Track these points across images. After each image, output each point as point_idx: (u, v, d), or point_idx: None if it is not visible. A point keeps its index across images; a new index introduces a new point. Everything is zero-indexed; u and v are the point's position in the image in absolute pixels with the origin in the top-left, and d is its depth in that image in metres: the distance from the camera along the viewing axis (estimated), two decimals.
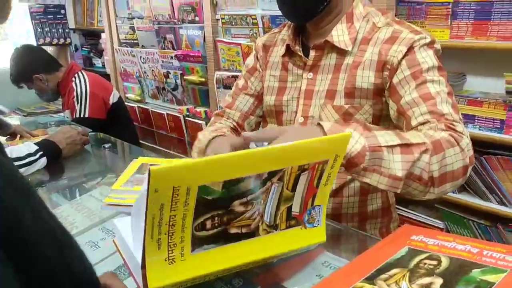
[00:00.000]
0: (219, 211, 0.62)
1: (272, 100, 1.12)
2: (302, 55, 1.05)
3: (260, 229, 0.67)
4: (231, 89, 1.25)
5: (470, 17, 1.46)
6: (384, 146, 0.77)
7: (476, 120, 1.50)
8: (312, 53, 1.03)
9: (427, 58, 0.92)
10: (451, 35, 1.51)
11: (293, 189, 0.67)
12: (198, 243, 0.61)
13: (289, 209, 0.69)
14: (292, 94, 1.08)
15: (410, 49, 0.93)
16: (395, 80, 0.93)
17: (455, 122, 0.86)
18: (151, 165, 0.54)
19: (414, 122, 0.89)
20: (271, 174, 0.63)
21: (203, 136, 1.11)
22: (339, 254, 0.80)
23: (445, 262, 0.56)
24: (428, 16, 1.55)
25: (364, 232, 1.04)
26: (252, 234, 0.66)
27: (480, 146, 1.50)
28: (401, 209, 1.73)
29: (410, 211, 1.73)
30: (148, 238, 0.57)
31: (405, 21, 1.48)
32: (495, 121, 1.47)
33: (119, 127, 2.26)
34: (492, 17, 1.41)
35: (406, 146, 0.78)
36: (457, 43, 1.49)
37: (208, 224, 0.62)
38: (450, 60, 1.62)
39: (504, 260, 0.54)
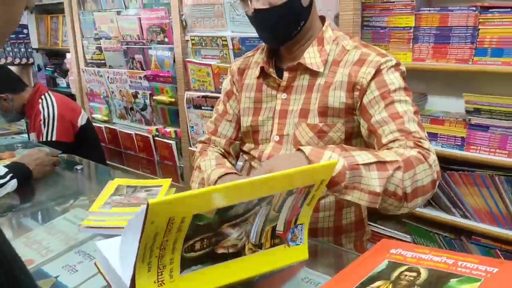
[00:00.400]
0: (209, 234, 0.63)
1: (248, 121, 1.17)
2: (276, 77, 1.11)
3: (246, 248, 0.69)
4: (201, 109, 1.27)
5: (430, 41, 1.54)
6: (362, 164, 0.81)
7: (439, 138, 1.58)
8: (286, 75, 1.09)
9: (394, 79, 0.99)
10: (413, 57, 1.59)
11: (279, 210, 0.70)
12: (187, 264, 0.62)
13: (274, 228, 0.72)
14: (267, 114, 1.13)
15: (378, 71, 0.99)
16: (365, 100, 0.99)
17: (422, 140, 0.91)
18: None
19: (384, 140, 0.94)
20: (262, 199, 0.65)
21: (208, 168, 1.13)
22: (318, 269, 0.82)
23: (424, 274, 0.59)
24: (391, 40, 1.63)
25: (340, 247, 1.08)
26: (239, 253, 0.68)
27: (443, 163, 1.57)
28: (371, 224, 1.78)
29: (379, 226, 1.79)
30: (139, 261, 0.58)
31: (370, 44, 1.57)
32: (456, 138, 1.55)
33: (87, 148, 2.22)
34: (450, 41, 1.50)
35: (381, 164, 0.83)
36: (419, 65, 1.58)
37: (197, 245, 0.63)
38: (412, 81, 1.70)
39: (477, 270, 0.58)
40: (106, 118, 2.84)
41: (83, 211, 1.15)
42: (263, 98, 1.14)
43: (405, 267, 0.62)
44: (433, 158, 0.89)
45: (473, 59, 1.46)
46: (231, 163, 1.22)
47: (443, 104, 1.66)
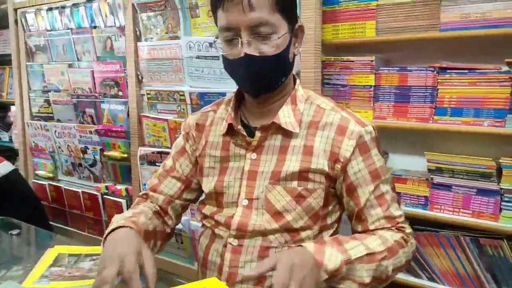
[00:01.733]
0: None
1: (213, 182, 1.07)
2: (246, 135, 1.03)
3: None
4: (155, 165, 1.19)
5: (390, 99, 1.55)
6: (355, 259, 0.91)
7: (402, 197, 1.55)
8: (258, 134, 1.02)
9: (377, 155, 1.02)
10: (374, 115, 1.59)
11: None
12: None
13: None
14: (234, 175, 1.05)
15: (361, 144, 1.00)
16: (352, 176, 1.01)
17: (404, 224, 1.03)
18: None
19: (371, 227, 1.02)
20: None
21: (115, 219, 1.00)
22: None
23: None
24: (352, 98, 1.62)
25: None
26: None
27: None
28: None
29: None
30: None
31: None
32: (419, 198, 1.52)
33: (12, 204, 2.02)
34: (410, 100, 1.51)
35: (371, 255, 0.93)
36: (380, 123, 1.57)
37: None
38: None
39: None
40: (50, 175, 2.65)
41: (15, 284, 0.99)
42: (230, 158, 1.07)
43: None
44: (412, 241, 1.03)
45: (433, 118, 1.47)
46: (166, 223, 1.14)
47: (405, 163, 1.64)
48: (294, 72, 1.62)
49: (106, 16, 2.18)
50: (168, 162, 1.18)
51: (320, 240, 0.98)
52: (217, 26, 1.00)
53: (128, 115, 2.16)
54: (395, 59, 1.63)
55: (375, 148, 1.02)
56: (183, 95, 1.97)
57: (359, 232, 1.04)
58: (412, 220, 1.50)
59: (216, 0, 0.97)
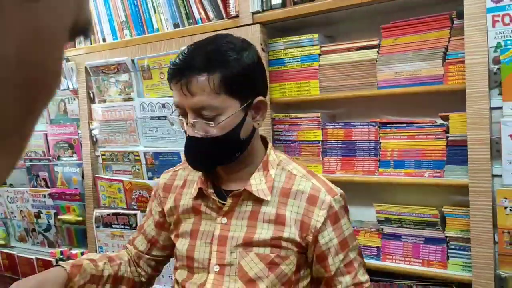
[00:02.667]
0: None
1: (185, 245, 1.08)
2: (217, 199, 1.04)
3: None
4: (111, 227, 1.29)
5: (338, 154, 1.61)
6: None
7: None
8: (230, 200, 1.03)
9: (345, 225, 1.04)
10: (323, 169, 1.63)
11: None
12: None
13: None
14: (204, 240, 1.05)
15: (332, 215, 1.01)
16: (322, 247, 1.01)
17: None
18: None
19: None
20: None
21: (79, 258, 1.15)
22: None
23: None
24: (302, 153, 1.67)
25: None
26: None
27: None
28: None
29: None
30: None
31: None
32: (372, 248, 1.55)
33: None
34: (356, 154, 1.57)
35: None
36: (329, 177, 1.59)
37: None
38: None
39: None
40: (3, 242, 2.54)
41: None
42: (201, 222, 1.07)
43: None
44: None
45: (378, 171, 1.53)
46: (138, 272, 1.20)
47: (357, 214, 1.68)
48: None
49: None
50: (144, 218, 1.25)
51: None
52: None
53: (82, 177, 2.14)
54: (340, 115, 1.71)
55: (344, 216, 1.05)
56: (138, 155, 1.98)
57: None
58: (367, 271, 1.54)
59: (167, 78, 0.99)
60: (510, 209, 1.23)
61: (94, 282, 1.08)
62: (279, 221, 1.01)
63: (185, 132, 1.00)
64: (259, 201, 1.02)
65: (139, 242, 1.20)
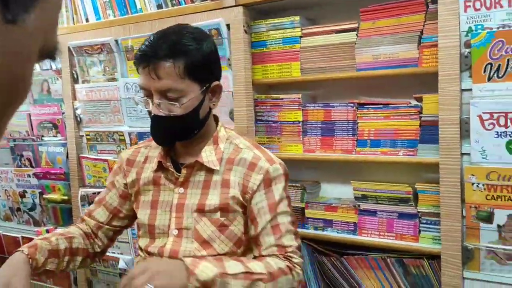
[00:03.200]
0: None
1: (146, 215, 1.21)
2: (174, 171, 1.18)
3: None
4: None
5: (317, 134, 1.66)
6: (230, 274, 1.02)
7: (334, 224, 1.65)
8: (184, 171, 1.17)
9: (279, 191, 1.16)
10: (304, 149, 1.69)
11: None
12: None
13: None
14: (164, 208, 1.19)
15: (266, 179, 1.15)
16: (254, 207, 1.15)
17: (293, 254, 1.14)
18: None
19: (264, 252, 1.14)
20: None
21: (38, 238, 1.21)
22: None
23: None
24: (283, 133, 1.73)
25: None
26: None
27: (339, 248, 1.64)
28: None
29: None
30: None
31: (264, 136, 1.67)
32: (349, 224, 1.63)
33: None
34: (335, 133, 1.63)
35: (248, 274, 1.04)
36: (309, 156, 1.68)
37: None
38: (306, 171, 1.80)
39: None
40: None
41: None
42: (160, 192, 1.21)
43: None
44: (297, 271, 1.13)
45: (355, 150, 1.59)
46: (96, 243, 1.30)
47: (336, 191, 1.76)
48: (228, 109, 1.72)
49: None
50: (103, 192, 1.35)
51: (205, 257, 1.11)
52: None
53: (67, 157, 2.16)
54: (320, 96, 1.76)
55: (278, 184, 1.16)
56: (123, 135, 2.00)
57: (254, 257, 1.17)
58: (344, 245, 1.62)
59: (134, 62, 1.13)
60: (477, 185, 1.31)
61: (53, 256, 1.17)
62: (225, 184, 1.16)
63: (149, 112, 1.14)
64: (210, 171, 1.17)
65: (99, 213, 1.32)
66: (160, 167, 1.21)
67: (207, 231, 1.15)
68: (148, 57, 1.07)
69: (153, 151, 1.27)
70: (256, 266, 1.07)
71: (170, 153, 1.23)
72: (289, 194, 1.25)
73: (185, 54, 1.08)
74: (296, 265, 1.13)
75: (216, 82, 1.18)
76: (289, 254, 1.13)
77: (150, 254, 1.20)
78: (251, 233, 1.17)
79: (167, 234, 1.18)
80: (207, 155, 1.17)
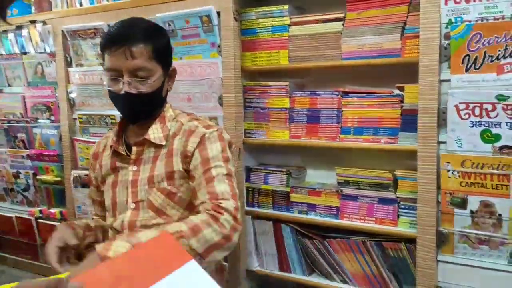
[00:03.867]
0: None
1: (108, 197, 1.35)
2: (126, 153, 1.31)
3: None
4: (89, 187, 1.55)
5: (303, 120, 1.71)
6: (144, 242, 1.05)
7: (317, 208, 1.70)
8: (134, 149, 1.30)
9: (213, 148, 1.26)
10: (290, 135, 1.74)
11: None
12: None
13: None
14: (122, 186, 1.32)
15: (202, 140, 1.26)
16: (191, 166, 1.25)
17: (223, 200, 1.16)
18: None
19: (197, 202, 1.21)
20: None
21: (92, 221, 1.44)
22: None
23: None
24: (271, 120, 1.77)
25: None
26: None
27: (322, 231, 1.70)
28: None
29: None
30: None
31: (252, 122, 1.72)
32: (331, 208, 1.68)
33: None
34: (320, 121, 1.68)
35: None
36: (295, 142, 1.73)
37: None
38: (292, 156, 1.86)
39: None
40: None
41: None
42: (119, 174, 1.34)
43: None
44: (225, 217, 1.13)
45: (339, 137, 1.64)
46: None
47: (320, 177, 1.81)
48: (217, 95, 1.76)
49: (36, 43, 2.22)
50: (90, 191, 1.53)
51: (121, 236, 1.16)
52: (103, 65, 1.28)
53: (60, 139, 2.20)
54: (307, 84, 1.81)
55: (213, 143, 1.26)
56: (114, 119, 2.05)
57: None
58: (326, 229, 1.68)
59: (104, 45, 1.25)
60: (452, 173, 1.36)
61: (88, 230, 1.36)
62: (169, 155, 1.28)
63: (113, 92, 1.26)
64: (159, 147, 1.29)
65: (98, 210, 1.50)
66: (115, 153, 1.33)
67: (158, 200, 1.26)
68: (124, 39, 1.20)
69: (110, 140, 1.38)
70: (174, 226, 1.10)
71: (124, 137, 1.36)
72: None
73: (154, 38, 1.25)
74: (225, 212, 1.13)
75: (173, 67, 1.35)
76: (220, 201, 1.16)
77: (116, 230, 1.32)
78: (193, 191, 1.25)
79: (126, 208, 1.30)
80: (154, 132, 1.29)
